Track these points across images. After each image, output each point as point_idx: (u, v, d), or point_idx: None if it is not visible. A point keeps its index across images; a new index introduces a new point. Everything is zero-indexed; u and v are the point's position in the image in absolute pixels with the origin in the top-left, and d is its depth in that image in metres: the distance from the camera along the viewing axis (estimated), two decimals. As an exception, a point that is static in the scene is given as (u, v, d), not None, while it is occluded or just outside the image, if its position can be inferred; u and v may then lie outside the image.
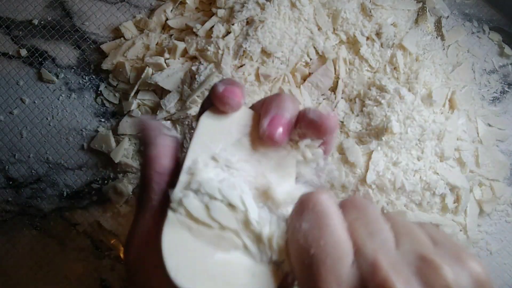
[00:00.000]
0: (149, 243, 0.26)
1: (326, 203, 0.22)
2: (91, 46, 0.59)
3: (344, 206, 0.23)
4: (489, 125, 0.57)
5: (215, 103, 0.28)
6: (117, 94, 0.57)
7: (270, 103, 0.29)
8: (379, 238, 0.22)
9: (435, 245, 0.22)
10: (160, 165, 0.27)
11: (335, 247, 0.21)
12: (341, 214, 0.22)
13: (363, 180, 0.49)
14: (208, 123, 0.28)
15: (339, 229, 0.21)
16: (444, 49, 0.59)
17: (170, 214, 0.23)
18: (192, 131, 0.52)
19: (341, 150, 0.51)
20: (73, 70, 0.58)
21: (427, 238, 0.23)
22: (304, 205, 0.22)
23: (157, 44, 0.57)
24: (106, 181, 0.55)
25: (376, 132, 0.51)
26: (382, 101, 0.51)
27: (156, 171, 0.27)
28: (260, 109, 0.29)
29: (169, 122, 0.53)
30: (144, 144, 0.28)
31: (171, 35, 0.57)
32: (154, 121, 0.29)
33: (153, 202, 0.26)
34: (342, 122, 0.53)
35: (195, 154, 0.26)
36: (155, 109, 0.54)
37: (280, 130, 0.27)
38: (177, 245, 0.23)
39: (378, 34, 0.55)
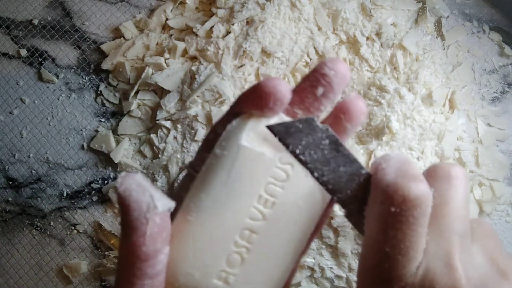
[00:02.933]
0: None
1: (424, 207, 0.19)
2: (91, 46, 0.59)
3: (435, 176, 0.21)
4: (489, 125, 0.57)
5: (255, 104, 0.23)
6: (117, 94, 0.57)
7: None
8: (457, 235, 0.20)
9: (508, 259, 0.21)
10: (148, 254, 0.21)
11: (414, 252, 0.19)
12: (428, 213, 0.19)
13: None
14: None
15: (424, 235, 0.19)
16: (444, 49, 0.59)
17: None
18: (193, 131, 0.52)
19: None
20: (73, 70, 0.58)
21: (503, 246, 0.21)
22: (399, 201, 0.19)
23: (157, 44, 0.57)
24: (106, 181, 0.55)
25: (376, 132, 0.51)
26: (382, 101, 0.51)
27: (144, 261, 0.21)
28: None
29: (169, 122, 0.53)
30: (126, 226, 0.21)
31: (171, 35, 0.57)
32: (143, 186, 0.21)
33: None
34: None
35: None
36: (155, 109, 0.54)
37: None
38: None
39: (378, 34, 0.55)
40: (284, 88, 0.22)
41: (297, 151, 0.22)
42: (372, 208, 0.21)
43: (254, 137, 0.23)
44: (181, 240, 0.22)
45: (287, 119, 0.24)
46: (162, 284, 0.22)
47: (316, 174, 0.22)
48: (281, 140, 0.22)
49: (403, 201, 0.19)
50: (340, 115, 0.24)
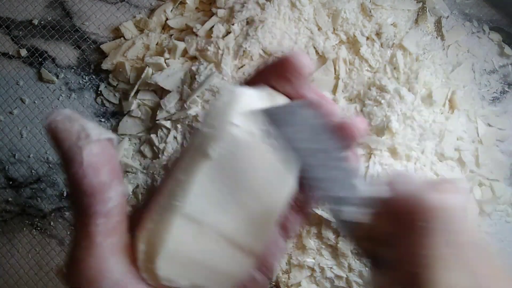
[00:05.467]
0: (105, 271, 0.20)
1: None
2: (91, 46, 0.59)
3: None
4: (489, 125, 0.57)
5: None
6: (117, 94, 0.57)
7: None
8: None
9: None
10: (93, 187, 0.19)
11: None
12: None
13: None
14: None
15: None
16: (444, 49, 0.59)
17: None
18: (193, 131, 0.52)
19: (341, 150, 0.51)
20: (73, 70, 0.58)
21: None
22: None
23: (157, 44, 0.57)
24: (106, 181, 0.55)
25: (376, 132, 0.51)
26: (382, 101, 0.51)
27: (91, 195, 0.20)
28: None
29: (169, 122, 0.53)
30: (63, 159, 0.19)
31: (171, 35, 0.57)
32: (71, 118, 0.20)
33: (98, 228, 0.20)
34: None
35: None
36: (155, 109, 0.54)
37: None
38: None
39: (378, 34, 0.55)
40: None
41: (289, 137, 0.21)
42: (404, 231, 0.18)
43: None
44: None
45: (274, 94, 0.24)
46: (120, 227, 0.21)
47: (304, 166, 0.22)
48: (272, 124, 0.21)
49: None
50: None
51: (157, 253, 0.20)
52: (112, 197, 0.20)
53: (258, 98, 0.23)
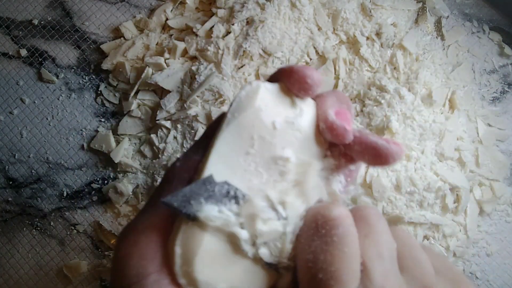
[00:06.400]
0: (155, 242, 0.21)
1: (346, 226, 0.20)
2: (91, 46, 0.59)
3: (354, 218, 0.21)
4: (489, 125, 0.57)
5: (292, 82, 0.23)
6: (117, 94, 0.57)
7: (331, 94, 0.25)
8: (387, 262, 0.20)
9: (437, 273, 0.22)
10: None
11: (346, 275, 0.19)
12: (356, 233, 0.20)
13: (363, 180, 0.49)
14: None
15: (354, 257, 0.20)
16: (444, 49, 0.59)
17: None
18: (193, 131, 0.52)
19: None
20: (73, 70, 0.58)
21: (430, 265, 0.21)
22: (320, 222, 0.20)
23: (157, 44, 0.57)
24: (106, 181, 0.55)
25: (376, 132, 0.51)
26: (382, 101, 0.51)
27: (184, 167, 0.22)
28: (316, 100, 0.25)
29: (169, 122, 0.53)
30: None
31: (171, 35, 0.57)
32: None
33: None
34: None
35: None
36: (155, 109, 0.54)
37: (348, 125, 0.23)
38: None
39: (378, 34, 0.55)
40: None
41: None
42: (300, 241, 0.21)
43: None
44: None
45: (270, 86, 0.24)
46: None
47: None
48: (179, 212, 0.21)
49: (325, 221, 0.20)
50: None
51: (195, 254, 0.20)
52: None
53: (275, 92, 0.24)
